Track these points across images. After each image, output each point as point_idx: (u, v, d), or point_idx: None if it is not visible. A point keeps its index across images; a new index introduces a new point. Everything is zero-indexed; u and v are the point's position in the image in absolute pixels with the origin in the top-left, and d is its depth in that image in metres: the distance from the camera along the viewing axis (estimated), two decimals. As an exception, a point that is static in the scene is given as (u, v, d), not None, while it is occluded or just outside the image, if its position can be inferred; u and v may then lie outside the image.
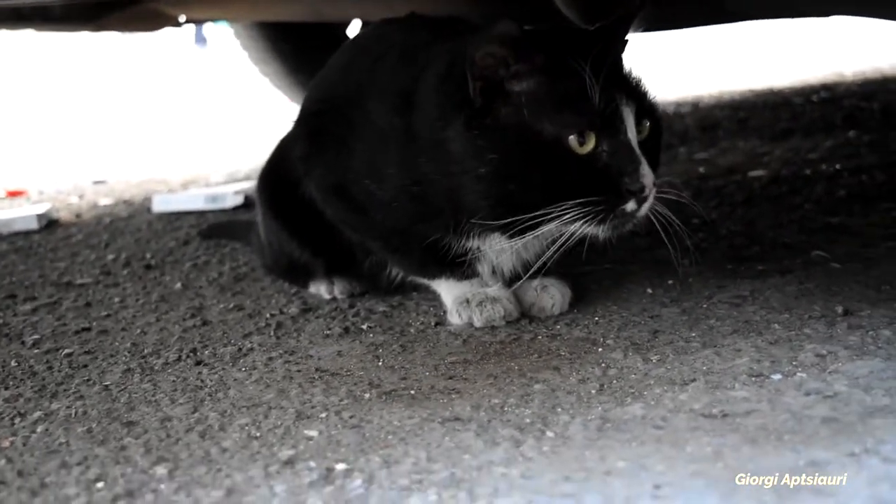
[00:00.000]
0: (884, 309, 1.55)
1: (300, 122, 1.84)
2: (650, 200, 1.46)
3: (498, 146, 1.45)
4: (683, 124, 3.65)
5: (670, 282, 1.78)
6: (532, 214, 1.44)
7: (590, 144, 1.43)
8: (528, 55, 1.44)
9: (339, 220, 1.77)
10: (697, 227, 2.11)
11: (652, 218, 1.50)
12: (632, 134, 1.45)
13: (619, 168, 1.44)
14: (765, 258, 1.89)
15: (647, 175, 1.44)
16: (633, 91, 1.49)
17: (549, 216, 1.44)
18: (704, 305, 1.66)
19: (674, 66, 5.74)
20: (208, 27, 9.32)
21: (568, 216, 1.44)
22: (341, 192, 1.71)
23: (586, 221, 1.45)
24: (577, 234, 1.47)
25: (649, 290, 1.76)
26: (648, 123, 1.50)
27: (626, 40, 1.57)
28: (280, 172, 1.91)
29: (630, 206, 1.45)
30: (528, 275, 1.62)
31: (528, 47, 1.44)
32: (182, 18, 3.14)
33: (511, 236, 1.51)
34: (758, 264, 1.85)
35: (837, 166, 2.64)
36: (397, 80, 1.60)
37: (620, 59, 1.54)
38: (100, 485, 1.20)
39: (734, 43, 6.64)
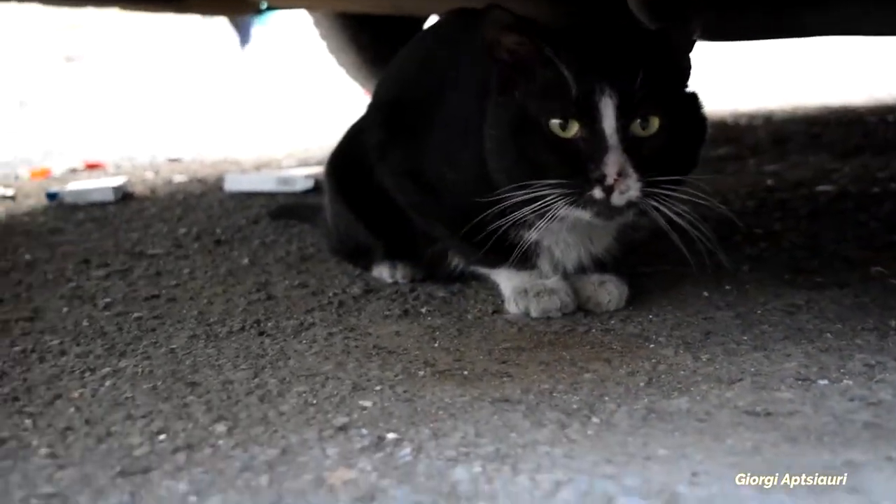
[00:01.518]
0: (938, 326, 1.56)
1: (375, 111, 1.89)
2: (624, 192, 1.48)
3: (502, 122, 1.57)
4: (755, 136, 3.64)
5: (727, 287, 1.80)
6: (519, 185, 1.52)
7: (572, 130, 1.50)
8: (535, 42, 1.53)
9: (409, 204, 1.81)
10: (760, 237, 2.13)
11: (657, 217, 1.53)
12: (608, 123, 1.48)
13: (588, 154, 1.49)
14: (824, 271, 1.89)
15: (610, 165, 1.47)
16: (624, 84, 1.48)
17: (532, 194, 1.51)
18: (759, 311, 1.68)
19: (749, 79, 5.71)
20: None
21: (548, 196, 1.51)
22: (416, 177, 1.76)
23: (564, 202, 1.51)
24: (560, 214, 1.53)
25: (705, 294, 1.78)
26: (658, 121, 1.51)
27: (689, 41, 1.60)
28: (350, 158, 1.96)
29: (597, 193, 1.48)
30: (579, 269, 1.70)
31: (536, 35, 1.54)
32: (263, 5, 3.21)
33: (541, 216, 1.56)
34: (816, 276, 1.86)
35: (906, 186, 2.63)
36: (477, 69, 1.65)
37: (644, 58, 1.52)
38: (162, 437, 1.26)
39: (811, 58, 6.58)
